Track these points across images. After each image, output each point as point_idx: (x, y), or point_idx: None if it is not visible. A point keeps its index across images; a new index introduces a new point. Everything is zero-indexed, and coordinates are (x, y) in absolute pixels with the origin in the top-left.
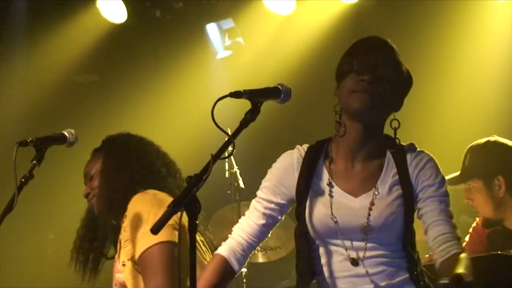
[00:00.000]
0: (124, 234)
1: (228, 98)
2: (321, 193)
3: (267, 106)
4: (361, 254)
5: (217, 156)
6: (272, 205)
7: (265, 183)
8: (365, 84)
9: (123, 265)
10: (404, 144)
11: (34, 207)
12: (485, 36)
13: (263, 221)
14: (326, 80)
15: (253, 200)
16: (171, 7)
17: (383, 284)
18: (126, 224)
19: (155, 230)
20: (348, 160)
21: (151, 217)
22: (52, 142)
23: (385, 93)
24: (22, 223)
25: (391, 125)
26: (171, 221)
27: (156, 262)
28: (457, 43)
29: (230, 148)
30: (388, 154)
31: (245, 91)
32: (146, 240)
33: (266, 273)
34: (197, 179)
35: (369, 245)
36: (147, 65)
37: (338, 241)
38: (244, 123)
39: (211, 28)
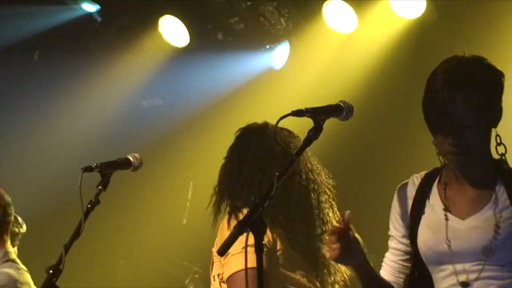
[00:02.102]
0: (215, 249)
1: (289, 117)
2: (434, 217)
3: (330, 123)
4: (472, 276)
5: (282, 175)
6: (403, 239)
7: (390, 221)
8: (453, 148)
9: (213, 279)
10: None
11: (103, 233)
12: None
13: (401, 257)
14: (389, 97)
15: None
16: (233, 29)
17: None
18: (218, 239)
19: (221, 252)
20: (459, 185)
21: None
22: (117, 167)
23: (477, 135)
24: (91, 249)
25: (496, 151)
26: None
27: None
28: None
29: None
30: (499, 180)
31: (307, 109)
32: (234, 263)
33: None
34: (262, 199)
35: (483, 267)
36: (209, 87)
37: (449, 266)
38: (307, 141)
39: (272, 49)
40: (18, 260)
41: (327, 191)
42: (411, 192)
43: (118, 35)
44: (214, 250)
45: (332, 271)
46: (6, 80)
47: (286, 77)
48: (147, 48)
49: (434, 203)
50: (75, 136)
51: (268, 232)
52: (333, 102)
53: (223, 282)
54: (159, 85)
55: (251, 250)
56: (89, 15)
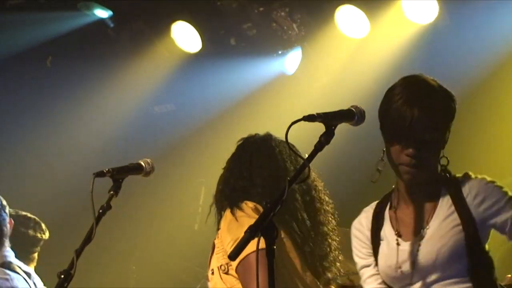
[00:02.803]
0: (218, 241)
1: (301, 122)
2: (387, 245)
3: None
4: None
5: (293, 180)
6: (375, 265)
7: (354, 256)
8: (411, 159)
9: (212, 273)
10: (458, 175)
11: (115, 238)
12: None
13: (380, 280)
14: None
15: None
16: (245, 35)
17: None
18: (223, 229)
19: (233, 256)
20: (406, 204)
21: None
22: (128, 172)
23: (432, 152)
24: (103, 255)
25: (439, 162)
26: None
27: (254, 270)
28: None
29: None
30: (443, 190)
31: (318, 114)
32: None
33: None
34: (274, 204)
35: (441, 280)
36: (222, 93)
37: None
38: (319, 146)
39: (284, 54)
40: (15, 264)
41: (326, 202)
42: (367, 225)
43: (131, 41)
44: (217, 241)
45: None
46: (19, 86)
47: (298, 82)
48: (159, 54)
49: (387, 230)
50: (88, 142)
51: None
52: (345, 107)
53: (226, 273)
54: (171, 90)
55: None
56: (101, 21)
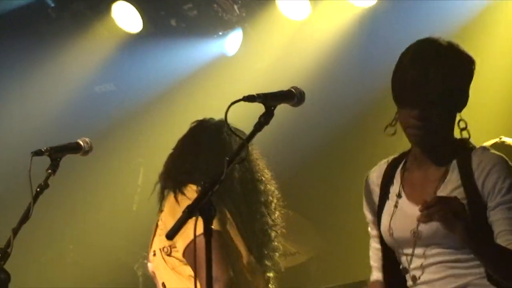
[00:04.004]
0: (161, 223)
1: (241, 102)
2: (390, 203)
3: (281, 109)
4: (419, 262)
5: (231, 160)
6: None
7: (364, 208)
8: (417, 121)
9: (154, 254)
10: (475, 146)
11: (53, 217)
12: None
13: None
14: (341, 84)
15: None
16: (186, 15)
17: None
18: (165, 212)
19: (170, 235)
20: (418, 168)
21: None
22: (66, 151)
23: (442, 114)
24: (40, 233)
25: (458, 126)
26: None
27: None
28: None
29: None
30: (455, 159)
31: (258, 95)
32: (189, 232)
33: (285, 279)
34: (212, 184)
35: (428, 252)
36: (162, 74)
37: (410, 250)
38: (258, 126)
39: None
40: None
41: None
42: (377, 179)
43: (71, 20)
44: (160, 223)
45: (274, 258)
46: None
47: (239, 63)
48: (100, 34)
49: (396, 189)
50: (26, 121)
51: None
52: (285, 88)
53: (168, 255)
54: (112, 71)
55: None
56: (42, 0)
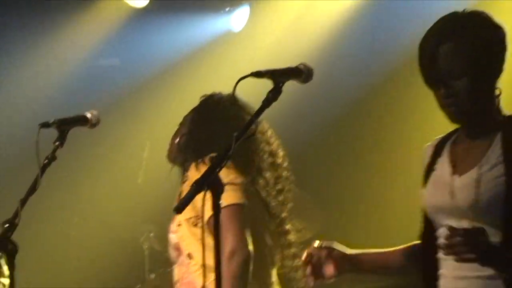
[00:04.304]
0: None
1: (249, 78)
2: (439, 174)
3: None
4: None
5: (240, 135)
6: None
7: None
8: (446, 100)
9: (179, 225)
10: None
11: (58, 190)
12: None
13: None
14: (349, 60)
15: None
16: None
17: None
18: (188, 183)
19: (179, 209)
20: (464, 141)
21: None
22: (74, 123)
23: (469, 87)
24: (46, 206)
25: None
26: (238, 182)
27: (227, 223)
28: None
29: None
30: (499, 131)
31: (266, 70)
32: (230, 195)
33: None
34: (220, 159)
35: (466, 220)
36: (168, 49)
37: (447, 222)
38: (266, 103)
39: (232, 11)
40: None
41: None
42: (429, 151)
43: None
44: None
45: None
46: None
47: (245, 40)
48: (105, 8)
49: (442, 162)
50: (32, 94)
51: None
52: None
53: (195, 225)
54: (117, 45)
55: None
56: None
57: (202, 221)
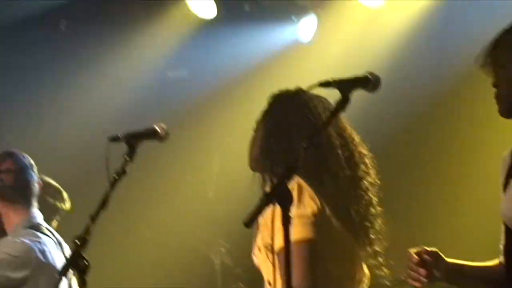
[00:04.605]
0: (262, 218)
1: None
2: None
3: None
4: None
5: (308, 145)
6: None
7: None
8: (495, 91)
9: (259, 249)
10: None
11: (129, 204)
12: None
13: None
14: (417, 71)
15: None
16: (259, 1)
17: None
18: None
19: (247, 223)
20: None
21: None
22: (143, 137)
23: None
24: (117, 221)
25: None
26: (308, 215)
27: (293, 260)
28: None
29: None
30: None
31: (334, 80)
32: (279, 238)
33: None
34: (289, 170)
35: None
36: (236, 59)
37: None
38: (334, 113)
39: (298, 21)
40: (43, 226)
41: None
42: (508, 159)
43: (145, 5)
44: (261, 220)
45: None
46: (34, 49)
47: (313, 50)
48: (173, 19)
49: None
50: (101, 106)
51: (316, 199)
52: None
53: (272, 253)
54: (185, 56)
55: (298, 222)
56: None
57: (273, 252)
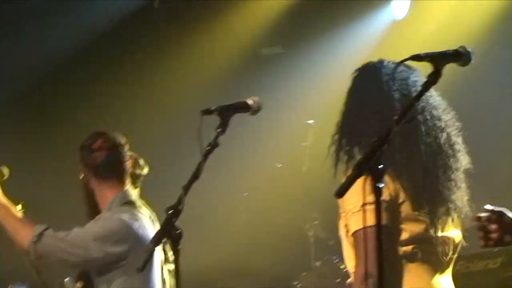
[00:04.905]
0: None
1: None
2: None
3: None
4: None
5: (400, 119)
6: None
7: None
8: None
9: (339, 229)
10: None
11: (223, 177)
12: None
13: None
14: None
15: None
16: None
17: None
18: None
19: (338, 194)
20: None
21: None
22: (235, 110)
23: None
24: (210, 193)
25: None
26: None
27: (361, 248)
28: None
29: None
30: None
31: (426, 54)
32: (354, 222)
33: None
34: (380, 142)
35: None
36: (331, 37)
37: None
38: (427, 86)
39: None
40: (137, 203)
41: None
42: None
43: None
44: (339, 200)
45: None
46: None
47: (408, 27)
48: None
49: None
50: (195, 80)
51: (390, 184)
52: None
53: (347, 233)
54: (280, 33)
55: (370, 208)
56: None
57: (347, 231)
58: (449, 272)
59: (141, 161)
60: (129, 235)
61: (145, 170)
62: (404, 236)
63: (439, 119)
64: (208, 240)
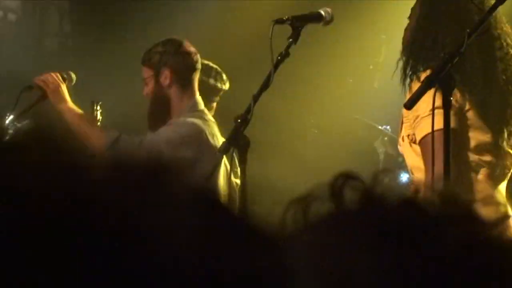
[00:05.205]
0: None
1: None
2: None
3: None
4: None
5: (473, 32)
6: None
7: None
8: None
9: (402, 140)
10: None
11: (293, 87)
12: None
13: None
14: None
15: None
16: None
17: None
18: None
19: (408, 105)
20: None
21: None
22: (308, 21)
23: None
24: (281, 103)
25: None
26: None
27: (429, 152)
28: None
29: None
30: None
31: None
32: (424, 125)
33: None
34: (452, 55)
35: None
36: None
37: None
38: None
39: None
40: (206, 111)
41: None
42: None
43: None
44: (404, 110)
45: None
46: None
47: None
48: None
49: None
50: None
51: (456, 92)
52: None
53: (414, 142)
54: None
55: (439, 112)
56: None
57: (415, 142)
58: (504, 183)
59: (224, 76)
60: (200, 140)
61: (227, 85)
62: (472, 144)
63: (510, 37)
64: (273, 152)
